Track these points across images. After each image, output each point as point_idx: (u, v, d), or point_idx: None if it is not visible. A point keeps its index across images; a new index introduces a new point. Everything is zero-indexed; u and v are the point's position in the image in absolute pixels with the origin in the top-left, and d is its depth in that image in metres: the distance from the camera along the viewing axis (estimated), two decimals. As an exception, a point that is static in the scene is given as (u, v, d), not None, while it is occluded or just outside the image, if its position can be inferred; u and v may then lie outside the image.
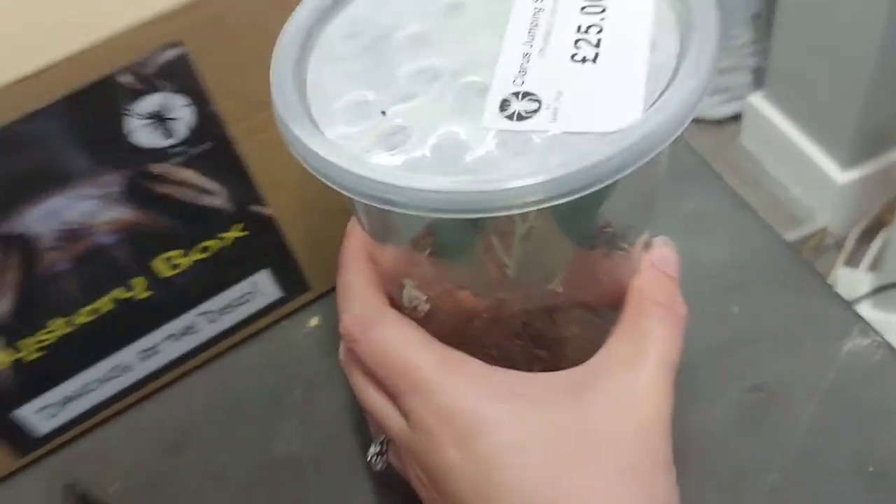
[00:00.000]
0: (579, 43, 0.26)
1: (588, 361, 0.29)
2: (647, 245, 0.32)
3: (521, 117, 0.25)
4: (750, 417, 0.40)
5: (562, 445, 0.27)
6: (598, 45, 0.26)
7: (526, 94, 0.26)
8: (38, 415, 0.41)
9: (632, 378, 0.29)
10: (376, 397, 0.31)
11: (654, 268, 0.31)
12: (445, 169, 0.24)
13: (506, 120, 0.25)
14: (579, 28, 0.27)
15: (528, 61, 0.27)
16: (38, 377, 0.40)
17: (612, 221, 0.31)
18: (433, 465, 0.29)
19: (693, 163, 0.52)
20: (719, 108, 1.46)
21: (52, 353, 0.39)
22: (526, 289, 0.31)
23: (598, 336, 0.30)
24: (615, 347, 0.30)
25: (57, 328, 0.39)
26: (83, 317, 0.39)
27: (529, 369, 0.31)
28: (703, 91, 0.24)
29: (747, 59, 1.39)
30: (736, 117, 1.46)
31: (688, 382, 0.39)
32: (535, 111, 0.25)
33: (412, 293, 0.31)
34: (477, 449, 0.28)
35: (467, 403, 0.28)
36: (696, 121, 1.48)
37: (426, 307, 0.31)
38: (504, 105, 0.25)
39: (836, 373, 0.41)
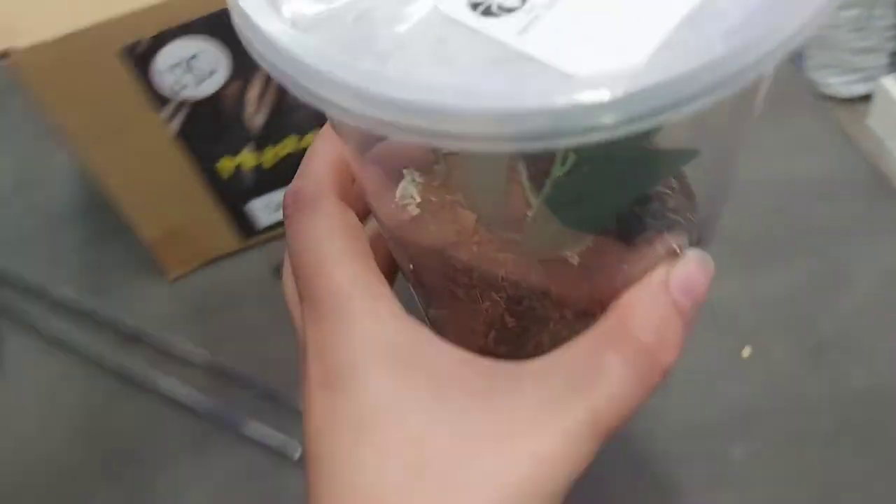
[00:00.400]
0: None
1: (521, 363, 0.23)
2: (673, 253, 0.24)
3: (488, 12, 0.19)
4: (815, 284, 0.48)
5: (419, 454, 0.21)
6: None
7: None
8: (263, 210, 0.53)
9: (546, 422, 0.21)
10: (291, 286, 0.26)
11: (665, 292, 0.23)
12: (352, 45, 0.19)
13: (466, 8, 0.19)
14: None
15: None
16: (269, 180, 0.51)
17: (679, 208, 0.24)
18: (304, 394, 0.24)
19: (804, 91, 0.59)
20: (850, 87, 1.48)
21: (282, 163, 0.50)
22: (538, 241, 0.25)
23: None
24: (557, 362, 0.23)
25: (289, 144, 0.50)
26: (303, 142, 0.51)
27: (484, 333, 0.26)
28: (763, 61, 0.17)
29: (887, 42, 1.40)
30: (866, 97, 1.48)
31: (768, 255, 0.49)
32: (510, 12, 0.19)
33: (409, 189, 0.26)
34: (336, 406, 0.22)
35: (350, 347, 0.22)
36: (825, 97, 1.51)
37: (415, 211, 0.26)
38: None
39: (890, 259, 0.49)
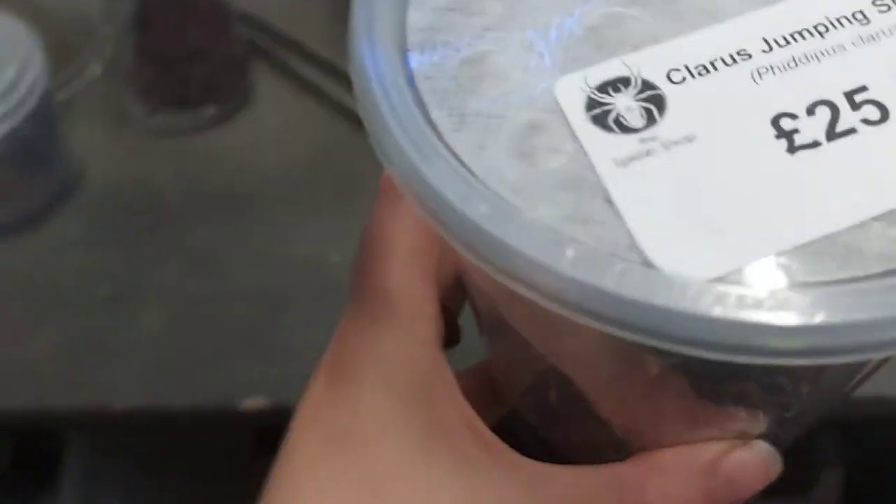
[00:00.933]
0: (861, 102, 0.15)
1: (520, 460, 0.20)
2: (744, 434, 0.20)
3: (601, 120, 0.16)
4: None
5: (372, 488, 0.20)
6: (875, 124, 0.15)
7: (656, 100, 0.16)
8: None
9: None
10: None
11: (706, 476, 0.19)
12: (442, 86, 0.16)
13: (581, 102, 0.16)
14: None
15: (738, 61, 0.16)
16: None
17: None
18: (313, 373, 0.22)
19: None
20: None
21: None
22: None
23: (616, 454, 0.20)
24: (555, 481, 0.20)
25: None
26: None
27: (522, 394, 0.24)
28: None
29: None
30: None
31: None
32: (625, 132, 0.15)
33: None
34: (330, 406, 0.21)
35: (368, 357, 0.21)
36: None
37: None
38: (609, 87, 0.16)
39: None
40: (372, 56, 0.17)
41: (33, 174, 0.51)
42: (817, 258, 0.14)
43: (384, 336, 0.21)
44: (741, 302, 0.13)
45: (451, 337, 0.23)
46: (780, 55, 0.16)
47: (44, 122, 0.49)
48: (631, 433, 0.21)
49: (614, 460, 0.21)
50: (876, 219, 0.14)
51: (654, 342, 0.14)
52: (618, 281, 0.14)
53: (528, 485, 0.20)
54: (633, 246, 0.14)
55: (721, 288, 0.13)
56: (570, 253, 0.14)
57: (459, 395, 0.21)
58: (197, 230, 0.49)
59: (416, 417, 0.20)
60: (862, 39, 0.16)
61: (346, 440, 0.20)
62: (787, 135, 0.15)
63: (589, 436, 0.23)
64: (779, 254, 0.14)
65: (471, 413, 0.21)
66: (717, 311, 0.13)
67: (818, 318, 0.13)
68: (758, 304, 0.13)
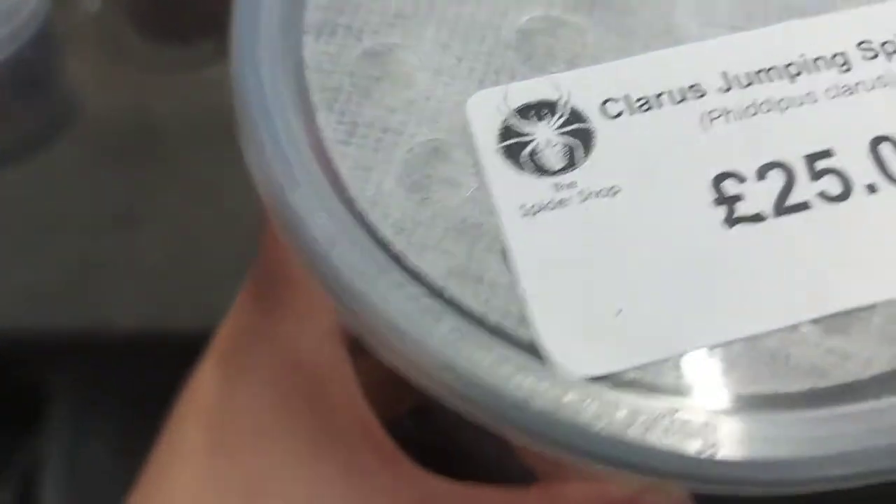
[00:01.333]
0: (822, 171, 0.13)
1: (409, 469, 0.18)
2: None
3: (514, 153, 0.13)
4: None
5: (252, 485, 0.19)
6: (833, 200, 0.13)
7: (583, 136, 0.13)
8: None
9: None
10: None
11: None
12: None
13: (496, 130, 0.13)
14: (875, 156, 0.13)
15: (688, 99, 0.13)
16: None
17: None
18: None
19: None
20: None
21: None
22: None
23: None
24: (442, 496, 0.19)
25: None
26: None
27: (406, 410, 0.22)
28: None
29: None
30: None
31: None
32: (542, 173, 0.13)
33: None
34: (222, 397, 0.19)
35: (264, 341, 0.19)
36: None
37: None
38: (532, 111, 0.13)
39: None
40: (252, 33, 0.14)
41: (33, 100, 0.50)
42: (735, 363, 0.12)
43: (281, 325, 0.19)
44: (632, 418, 0.11)
45: None
46: (737, 98, 0.13)
47: (46, 47, 0.47)
48: (537, 459, 0.19)
49: (521, 482, 0.19)
50: (814, 322, 0.12)
51: (525, 441, 0.11)
52: (492, 370, 0.11)
53: (422, 500, 0.19)
54: (524, 319, 0.12)
55: (612, 396, 0.11)
56: (444, 327, 0.12)
57: (358, 395, 0.19)
58: (193, 161, 0.47)
59: (307, 419, 0.19)
60: (838, 90, 0.13)
61: (229, 437, 0.19)
62: (728, 201, 0.13)
63: (495, 455, 0.21)
64: (691, 353, 0.12)
65: (369, 417, 0.19)
66: (602, 426, 0.11)
67: (720, 453, 0.11)
68: (651, 424, 0.11)
